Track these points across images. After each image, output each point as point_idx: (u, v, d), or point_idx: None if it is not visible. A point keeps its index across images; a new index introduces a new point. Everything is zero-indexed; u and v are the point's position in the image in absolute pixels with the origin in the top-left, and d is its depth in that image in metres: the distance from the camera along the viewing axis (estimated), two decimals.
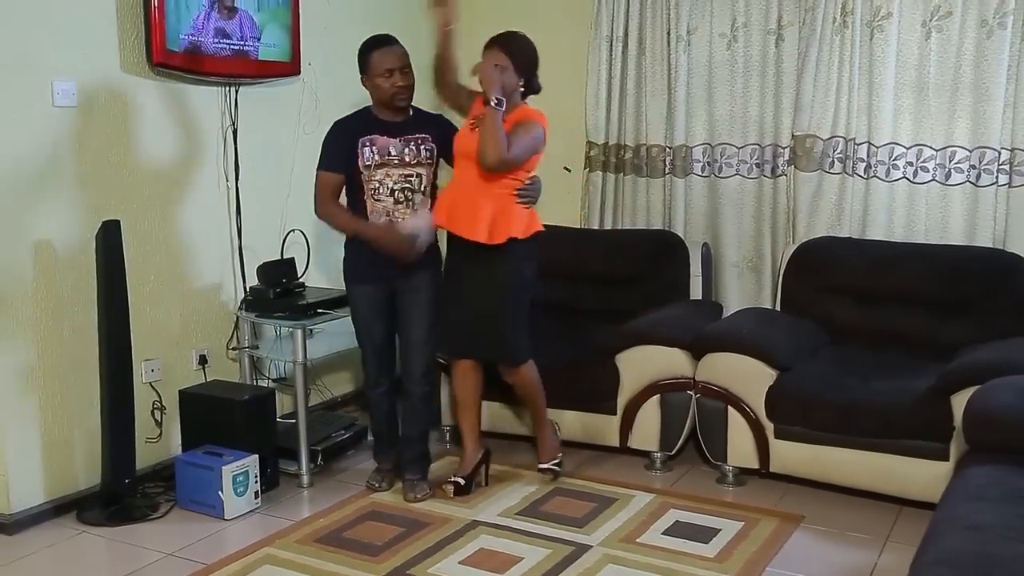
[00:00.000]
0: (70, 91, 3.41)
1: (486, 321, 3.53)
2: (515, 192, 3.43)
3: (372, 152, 3.44)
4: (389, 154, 3.45)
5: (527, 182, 3.46)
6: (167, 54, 3.59)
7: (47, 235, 3.40)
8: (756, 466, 3.66)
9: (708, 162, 4.53)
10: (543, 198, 3.59)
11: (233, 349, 4.07)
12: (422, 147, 3.48)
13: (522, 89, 3.45)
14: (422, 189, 3.49)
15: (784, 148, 4.36)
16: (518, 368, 3.62)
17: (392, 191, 3.46)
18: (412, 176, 3.47)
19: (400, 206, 3.47)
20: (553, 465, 3.75)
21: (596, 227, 4.75)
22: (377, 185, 3.45)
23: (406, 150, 3.46)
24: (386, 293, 3.55)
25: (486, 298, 3.50)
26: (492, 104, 3.29)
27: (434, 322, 3.56)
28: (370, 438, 3.97)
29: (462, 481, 3.61)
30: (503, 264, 3.46)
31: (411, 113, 3.52)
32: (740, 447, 3.67)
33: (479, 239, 3.39)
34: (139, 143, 3.68)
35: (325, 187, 3.51)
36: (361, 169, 3.46)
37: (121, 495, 3.47)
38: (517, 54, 3.41)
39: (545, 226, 4.55)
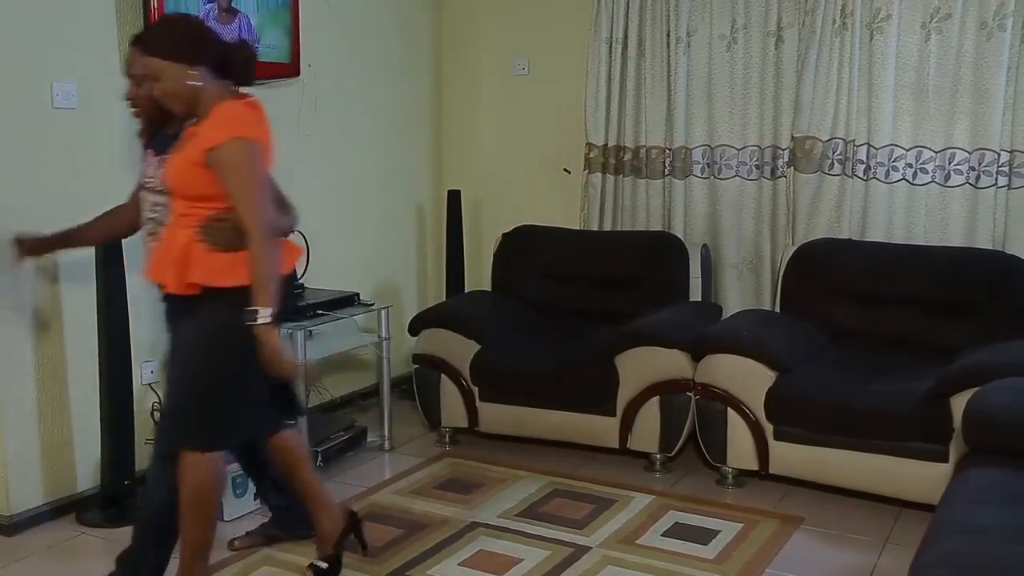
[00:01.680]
0: (70, 92, 3.41)
1: (171, 395, 2.72)
2: (199, 226, 2.54)
3: (140, 173, 2.90)
4: (146, 175, 2.84)
5: (214, 215, 2.56)
6: None
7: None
8: (756, 468, 3.66)
9: (708, 164, 4.53)
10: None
11: None
12: None
13: (200, 84, 2.55)
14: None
15: (784, 150, 4.36)
16: (183, 456, 2.60)
17: (146, 220, 2.81)
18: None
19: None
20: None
21: (596, 228, 4.75)
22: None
23: (159, 172, 2.76)
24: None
25: (176, 364, 2.70)
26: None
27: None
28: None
29: (324, 565, 2.93)
30: (201, 318, 2.59)
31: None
32: (740, 448, 3.67)
33: (168, 286, 2.61)
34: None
35: None
36: None
37: (120, 497, 3.47)
38: (162, 47, 2.53)
39: (545, 227, 4.61)
